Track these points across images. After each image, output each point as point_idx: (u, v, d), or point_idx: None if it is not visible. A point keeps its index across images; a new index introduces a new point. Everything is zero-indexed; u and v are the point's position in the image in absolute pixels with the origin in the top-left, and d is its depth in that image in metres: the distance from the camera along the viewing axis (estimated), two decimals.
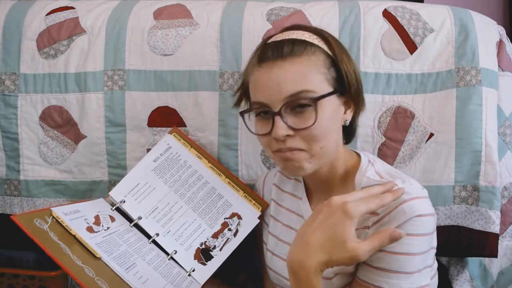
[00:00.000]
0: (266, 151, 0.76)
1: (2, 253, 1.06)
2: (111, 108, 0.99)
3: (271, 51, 0.71)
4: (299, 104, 0.69)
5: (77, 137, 1.00)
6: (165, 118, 0.99)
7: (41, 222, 0.72)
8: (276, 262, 0.85)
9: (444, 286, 0.98)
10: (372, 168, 0.75)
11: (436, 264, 0.77)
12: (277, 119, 0.69)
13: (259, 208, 0.90)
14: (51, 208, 0.76)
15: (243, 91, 0.80)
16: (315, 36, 0.73)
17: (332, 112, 0.71)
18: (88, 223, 0.78)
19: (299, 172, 0.72)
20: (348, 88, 0.73)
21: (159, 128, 0.99)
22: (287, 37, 0.72)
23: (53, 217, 0.74)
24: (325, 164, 0.75)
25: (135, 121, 0.99)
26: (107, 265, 0.72)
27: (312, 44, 0.71)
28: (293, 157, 0.70)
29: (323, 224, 0.62)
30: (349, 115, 0.76)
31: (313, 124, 0.68)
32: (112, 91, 0.99)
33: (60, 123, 1.01)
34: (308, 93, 0.68)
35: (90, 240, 0.74)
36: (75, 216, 0.78)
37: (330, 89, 0.70)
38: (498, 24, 1.02)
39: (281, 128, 0.68)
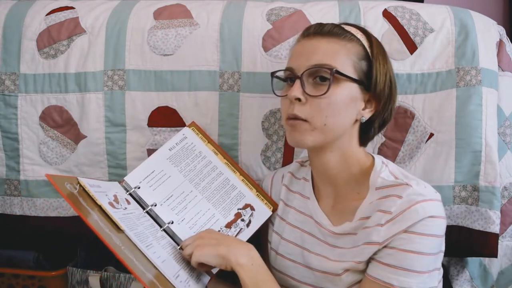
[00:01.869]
0: (282, 118, 0.80)
1: (2, 253, 1.06)
2: (111, 108, 0.99)
3: (314, 27, 0.78)
4: (318, 75, 0.73)
5: (77, 137, 1.00)
6: (165, 118, 0.99)
7: (71, 186, 0.72)
8: (280, 262, 0.85)
9: (444, 286, 0.98)
10: (387, 169, 0.77)
11: (442, 270, 0.78)
12: (297, 82, 0.74)
13: (270, 208, 0.91)
14: (78, 178, 0.76)
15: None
16: (359, 32, 0.78)
17: (349, 98, 0.74)
18: (109, 199, 0.78)
19: (301, 143, 0.75)
20: (374, 86, 0.75)
21: (159, 128, 0.99)
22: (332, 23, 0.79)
23: (80, 185, 0.75)
24: (333, 148, 0.77)
25: (135, 121, 0.99)
26: (129, 239, 0.73)
27: (352, 35, 0.76)
28: (297, 127, 0.74)
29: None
30: (367, 113, 0.77)
31: (324, 93, 0.72)
32: (112, 91, 0.99)
33: (60, 123, 1.01)
34: (330, 66, 0.73)
35: (113, 214, 0.74)
36: (98, 190, 0.78)
37: (355, 76, 0.74)
38: (498, 24, 1.02)
39: (296, 90, 0.73)
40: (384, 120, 0.80)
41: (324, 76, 0.73)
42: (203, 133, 0.96)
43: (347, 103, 0.74)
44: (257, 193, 0.92)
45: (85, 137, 1.00)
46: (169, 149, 0.92)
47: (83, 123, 1.00)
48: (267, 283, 0.74)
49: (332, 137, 0.75)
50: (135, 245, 0.72)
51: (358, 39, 0.76)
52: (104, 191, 0.79)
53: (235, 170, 0.94)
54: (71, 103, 1.00)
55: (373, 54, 0.77)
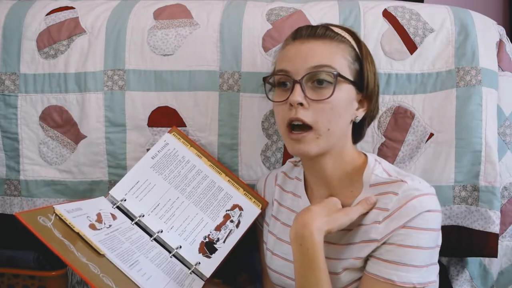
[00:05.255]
0: (279, 128, 0.78)
1: (2, 253, 1.06)
2: (111, 108, 0.99)
3: (306, 30, 0.76)
4: (320, 79, 0.72)
5: (77, 137, 1.00)
6: (165, 118, 0.99)
7: (44, 219, 0.72)
8: (276, 262, 0.86)
9: (444, 286, 0.98)
10: (380, 166, 0.77)
11: (438, 265, 0.78)
12: (297, 86, 0.72)
13: (259, 206, 0.91)
14: (54, 206, 0.76)
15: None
16: (346, 33, 0.79)
17: (347, 100, 0.75)
18: (90, 221, 0.78)
19: (306, 153, 0.74)
20: (366, 86, 0.77)
21: (159, 128, 0.99)
22: (321, 24, 0.78)
23: (56, 214, 0.75)
24: (331, 152, 0.76)
25: (135, 121, 0.99)
26: (111, 262, 0.73)
27: (342, 36, 0.77)
28: (302, 139, 0.73)
29: (322, 202, 0.74)
30: (360, 113, 0.79)
31: (329, 97, 0.71)
32: (112, 91, 0.99)
33: (60, 123, 1.01)
34: (331, 69, 0.72)
35: (93, 237, 0.74)
36: (78, 213, 0.78)
37: (351, 78, 0.74)
38: (498, 24, 1.02)
39: (298, 94, 0.71)
40: (373, 116, 0.82)
41: (324, 79, 0.72)
42: (185, 137, 0.96)
43: (346, 106, 0.75)
44: (245, 192, 0.92)
45: (85, 137, 1.00)
46: (152, 158, 0.92)
47: (83, 123, 1.00)
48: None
49: (333, 142, 0.75)
50: (117, 267, 0.72)
51: (348, 40, 0.77)
52: (85, 213, 0.79)
53: (220, 171, 0.94)
54: (71, 103, 1.00)
55: (363, 54, 0.78)
